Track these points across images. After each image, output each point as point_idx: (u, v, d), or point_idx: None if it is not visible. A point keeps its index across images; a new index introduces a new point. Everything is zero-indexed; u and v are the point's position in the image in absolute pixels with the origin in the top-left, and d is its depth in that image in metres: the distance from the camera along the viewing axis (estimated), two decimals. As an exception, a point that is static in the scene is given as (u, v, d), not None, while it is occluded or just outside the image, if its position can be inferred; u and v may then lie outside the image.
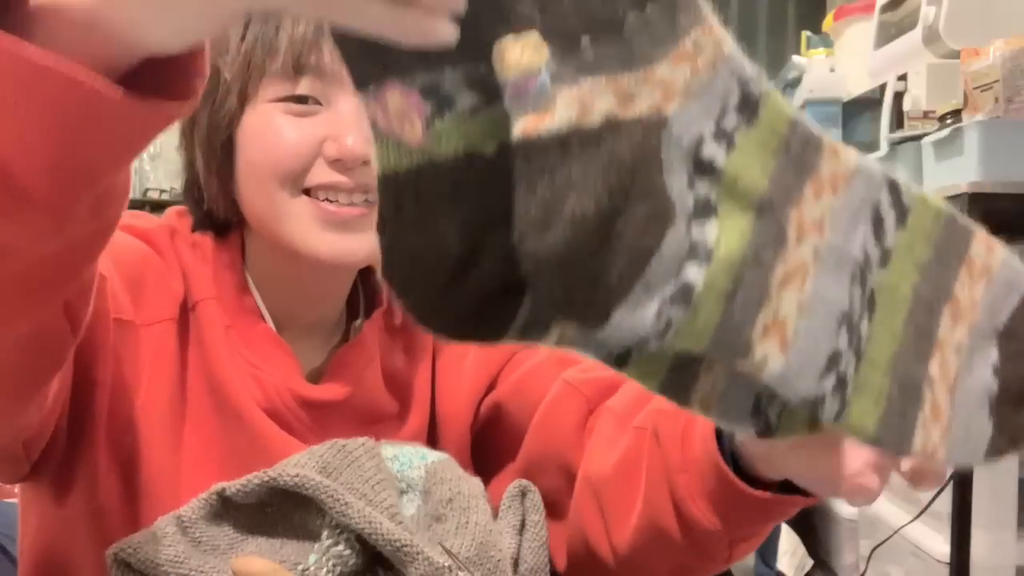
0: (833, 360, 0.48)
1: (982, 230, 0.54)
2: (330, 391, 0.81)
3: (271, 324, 0.81)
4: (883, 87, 2.43)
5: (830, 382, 0.48)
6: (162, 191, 4.45)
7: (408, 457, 0.75)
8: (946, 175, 1.96)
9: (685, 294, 0.45)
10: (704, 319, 0.45)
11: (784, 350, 0.46)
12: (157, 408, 0.75)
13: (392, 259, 0.43)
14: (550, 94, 0.42)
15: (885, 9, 2.54)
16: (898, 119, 2.35)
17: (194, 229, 0.82)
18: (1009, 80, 1.85)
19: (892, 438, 0.49)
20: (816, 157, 0.48)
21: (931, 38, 2.22)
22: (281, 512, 0.70)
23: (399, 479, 0.73)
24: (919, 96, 2.25)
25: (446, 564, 0.65)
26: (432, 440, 0.87)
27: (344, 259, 0.76)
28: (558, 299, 0.44)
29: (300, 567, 0.66)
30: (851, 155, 0.49)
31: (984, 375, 0.53)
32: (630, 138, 0.44)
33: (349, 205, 0.75)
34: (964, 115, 1.95)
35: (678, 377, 0.49)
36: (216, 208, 0.80)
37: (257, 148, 0.76)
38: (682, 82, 0.45)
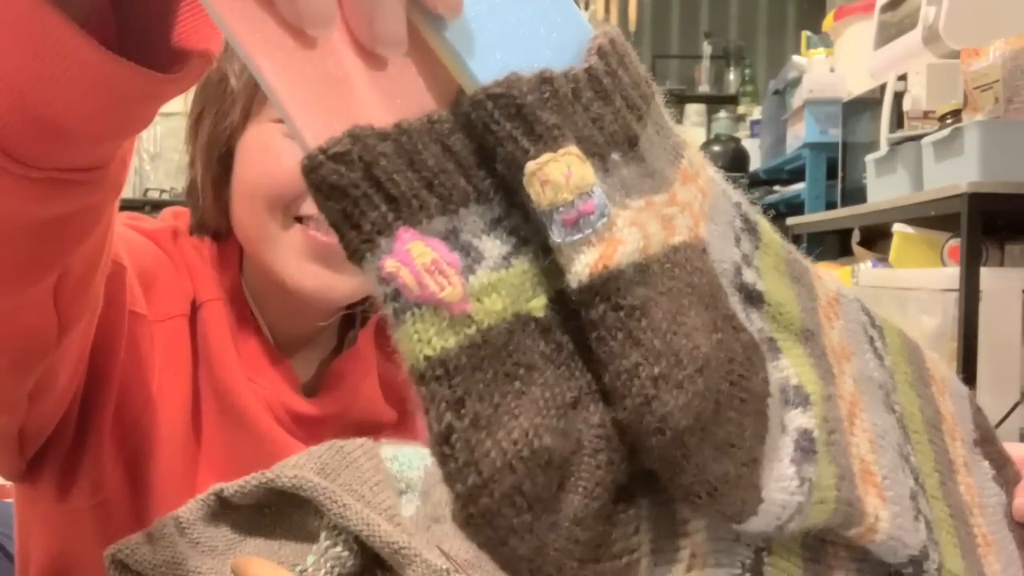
0: (914, 500, 0.43)
1: (922, 345, 0.52)
2: (323, 406, 0.81)
3: (268, 334, 0.81)
4: (883, 87, 2.43)
5: (922, 527, 0.42)
6: (162, 191, 4.45)
7: (408, 458, 0.75)
8: (946, 175, 1.96)
9: (810, 443, 0.37)
10: (825, 474, 0.38)
11: (884, 500, 0.41)
12: (170, 405, 0.75)
13: (478, 488, 0.30)
14: (612, 215, 0.33)
15: (885, 9, 2.54)
16: (898, 119, 2.35)
17: (191, 232, 0.82)
18: (1009, 80, 1.85)
19: None
20: (810, 280, 0.44)
21: (931, 38, 2.22)
22: (279, 513, 0.70)
23: (398, 479, 0.73)
24: (919, 96, 2.26)
25: (444, 567, 0.65)
26: None
27: (325, 294, 0.75)
28: (707, 479, 0.33)
29: (298, 568, 0.66)
30: (826, 276, 0.46)
31: (993, 488, 0.51)
32: (691, 264, 0.36)
33: None
34: (964, 115, 1.95)
35: None
36: (208, 217, 0.80)
37: (254, 169, 0.75)
38: (698, 205, 0.39)
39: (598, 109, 0.35)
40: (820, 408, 0.39)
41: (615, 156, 0.35)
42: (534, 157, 0.32)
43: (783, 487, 0.36)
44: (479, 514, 0.30)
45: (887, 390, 0.46)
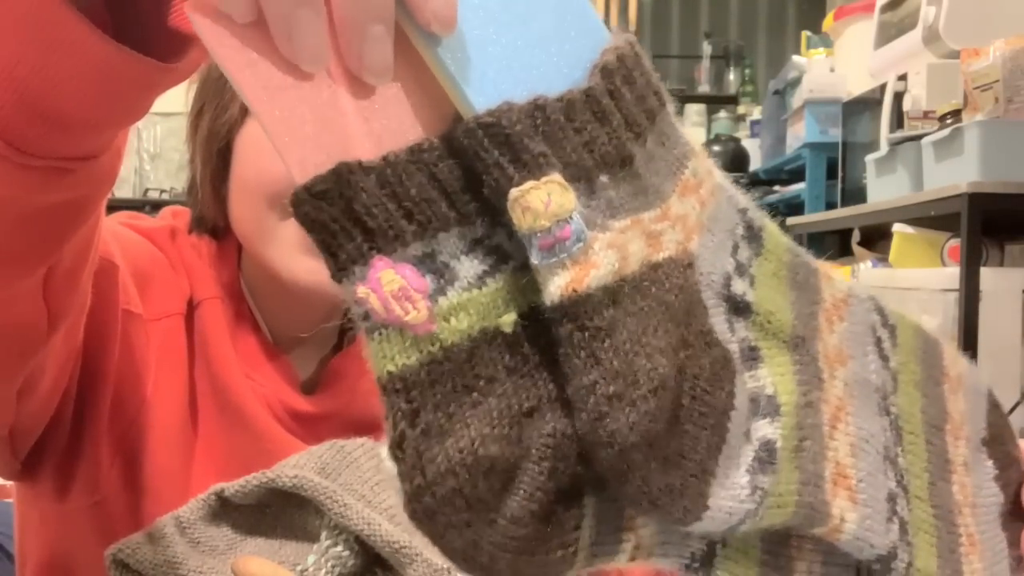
0: (891, 502, 0.44)
1: (945, 341, 0.53)
2: (322, 403, 0.80)
3: (266, 332, 0.81)
4: (883, 87, 2.43)
5: (895, 528, 0.44)
6: (162, 191, 4.46)
7: (407, 457, 0.75)
8: (946, 175, 1.96)
9: (770, 454, 0.39)
10: (786, 481, 0.40)
11: (854, 503, 0.42)
12: (166, 403, 0.75)
13: (422, 489, 0.34)
14: (588, 240, 0.35)
15: (885, 9, 2.54)
16: (898, 119, 2.35)
17: (190, 230, 0.82)
18: (1009, 80, 1.85)
19: None
20: (817, 282, 0.46)
21: (931, 38, 2.23)
22: (280, 513, 0.70)
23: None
24: (919, 96, 2.26)
25: (444, 565, 0.65)
26: None
27: (320, 288, 0.75)
28: (649, 490, 0.36)
29: (299, 568, 0.66)
30: (839, 277, 0.47)
31: (992, 488, 0.51)
32: (671, 281, 0.38)
33: None
34: (964, 115, 1.95)
35: (772, 572, 0.43)
36: (207, 212, 0.80)
37: (251, 164, 0.76)
38: (694, 217, 0.40)
39: (592, 131, 0.37)
40: (791, 418, 0.41)
41: (603, 178, 0.37)
42: (517, 184, 0.34)
43: (733, 495, 0.38)
44: (421, 511, 0.34)
45: (884, 392, 0.47)
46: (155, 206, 4.11)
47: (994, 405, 0.54)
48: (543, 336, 0.36)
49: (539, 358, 0.36)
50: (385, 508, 0.68)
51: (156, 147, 4.59)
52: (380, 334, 0.34)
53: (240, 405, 0.76)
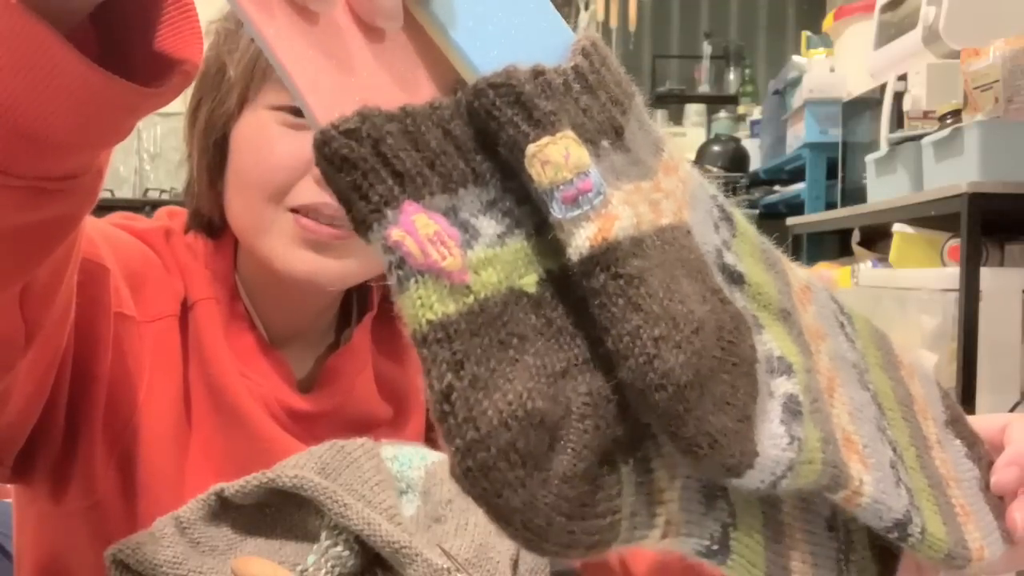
0: (894, 469, 0.45)
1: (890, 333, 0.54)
2: (318, 402, 0.81)
3: (262, 331, 0.81)
4: (883, 87, 2.43)
5: (904, 493, 0.44)
6: (162, 191, 4.45)
7: (408, 458, 0.75)
8: (946, 175, 1.96)
9: (797, 405, 0.40)
10: (811, 437, 0.40)
11: (866, 467, 0.43)
12: (160, 405, 0.75)
13: (476, 443, 0.32)
14: (607, 194, 0.36)
15: (885, 9, 2.54)
16: (898, 119, 2.35)
17: (187, 229, 0.82)
18: (1009, 80, 1.85)
19: (958, 548, 0.46)
20: (783, 268, 0.47)
21: (931, 38, 2.22)
22: (280, 513, 0.70)
23: (398, 479, 0.73)
24: (919, 96, 2.25)
25: (445, 566, 0.65)
26: (432, 444, 0.87)
27: (317, 279, 0.75)
28: (707, 431, 0.36)
29: (299, 568, 0.66)
30: (796, 266, 0.49)
31: (967, 464, 0.52)
32: (679, 242, 0.39)
33: (330, 226, 0.74)
34: (964, 115, 1.95)
35: (776, 558, 0.43)
36: (203, 207, 0.80)
37: (247, 156, 0.76)
38: (680, 193, 0.41)
39: (587, 101, 0.38)
40: (802, 377, 0.41)
41: (605, 143, 0.38)
42: (534, 140, 0.35)
43: (775, 444, 0.38)
44: (476, 467, 0.32)
45: (860, 370, 0.48)
46: (155, 206, 4.10)
47: (945, 392, 0.56)
48: (560, 302, 0.36)
49: (560, 322, 0.36)
50: (385, 508, 0.68)
51: (156, 147, 4.58)
52: (416, 281, 0.33)
53: (236, 404, 0.76)
